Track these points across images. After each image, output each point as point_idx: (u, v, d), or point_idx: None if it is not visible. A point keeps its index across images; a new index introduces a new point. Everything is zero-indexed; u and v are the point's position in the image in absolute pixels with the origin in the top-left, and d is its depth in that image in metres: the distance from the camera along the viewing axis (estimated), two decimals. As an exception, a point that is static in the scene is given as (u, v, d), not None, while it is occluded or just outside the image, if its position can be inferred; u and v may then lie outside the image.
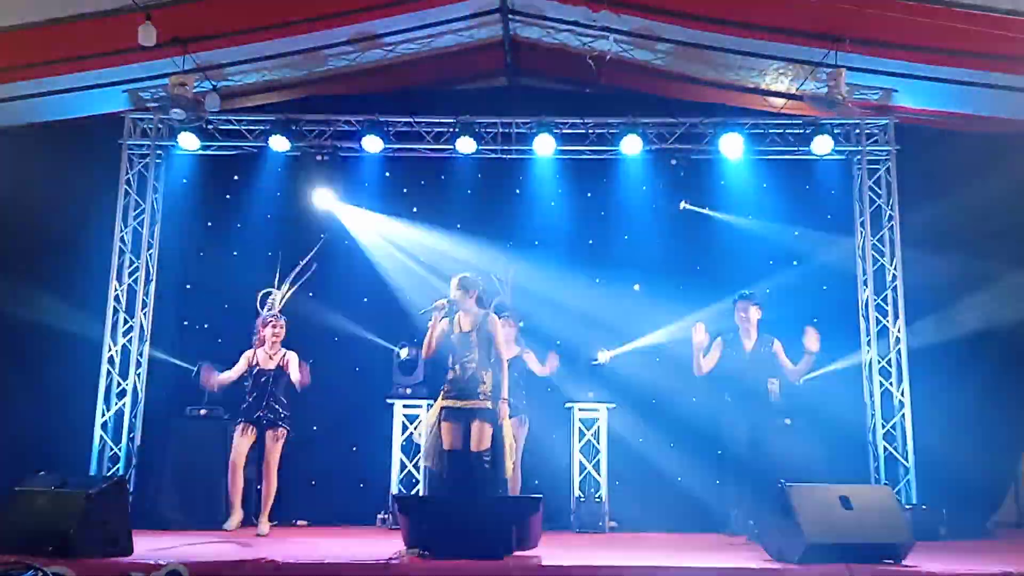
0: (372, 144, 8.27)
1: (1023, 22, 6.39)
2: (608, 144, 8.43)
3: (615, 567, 4.10)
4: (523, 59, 8.88)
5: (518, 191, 8.77)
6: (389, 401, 7.91)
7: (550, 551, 4.89)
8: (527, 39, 8.46)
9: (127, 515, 4.67)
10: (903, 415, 7.91)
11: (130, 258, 8.34)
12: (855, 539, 4.29)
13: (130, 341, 8.21)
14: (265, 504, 6.82)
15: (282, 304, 7.29)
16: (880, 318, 8.17)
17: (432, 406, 6.04)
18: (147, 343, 8.29)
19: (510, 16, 8.08)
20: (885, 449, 7.90)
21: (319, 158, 8.37)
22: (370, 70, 8.51)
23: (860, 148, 8.38)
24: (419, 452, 7.92)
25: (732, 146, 8.19)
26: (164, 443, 7.68)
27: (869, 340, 8.15)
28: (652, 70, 8.45)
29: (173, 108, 7.48)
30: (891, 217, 8.27)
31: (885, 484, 7.42)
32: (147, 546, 4.79)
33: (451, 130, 8.33)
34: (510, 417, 5.91)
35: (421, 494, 7.64)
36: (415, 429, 7.98)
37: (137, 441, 8.05)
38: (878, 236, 8.31)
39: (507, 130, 8.49)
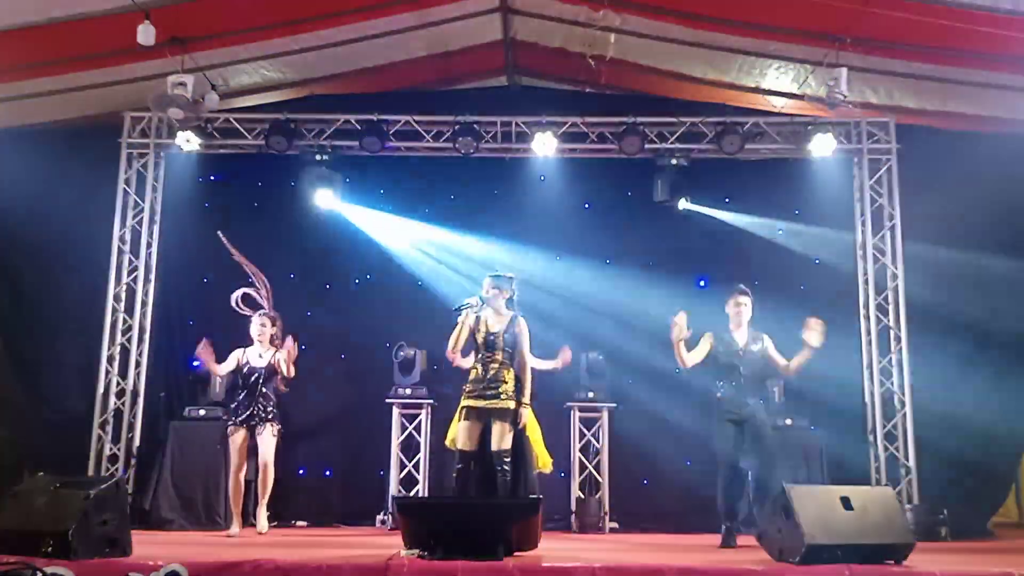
0: (372, 144, 8.27)
1: (1023, 22, 6.38)
2: (608, 144, 8.43)
3: (615, 567, 4.09)
4: (523, 59, 8.87)
5: (518, 191, 8.75)
6: (388, 401, 7.91)
7: (550, 551, 4.88)
8: (527, 39, 8.45)
9: (127, 515, 4.66)
10: (904, 415, 7.90)
11: (129, 258, 8.34)
12: (856, 540, 4.28)
13: (129, 341, 8.20)
14: (262, 499, 6.75)
15: (268, 301, 7.20)
16: (881, 317, 8.16)
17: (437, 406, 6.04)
18: (146, 343, 8.29)
19: (510, 15, 8.07)
20: (886, 450, 7.89)
21: (319, 158, 8.36)
22: (370, 70, 8.51)
23: (861, 147, 8.38)
24: (418, 452, 7.94)
25: (732, 145, 8.19)
26: (164, 443, 7.68)
27: (870, 340, 8.15)
28: (652, 70, 8.44)
29: (172, 108, 7.47)
30: (892, 216, 8.27)
31: (886, 484, 7.42)
32: (147, 546, 4.78)
33: (451, 130, 8.32)
34: None
35: (421, 494, 7.64)
36: (414, 429, 7.99)
37: (137, 441, 8.04)
38: (879, 235, 8.31)
39: (507, 130, 8.49)
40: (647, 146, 8.33)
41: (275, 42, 7.70)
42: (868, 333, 8.17)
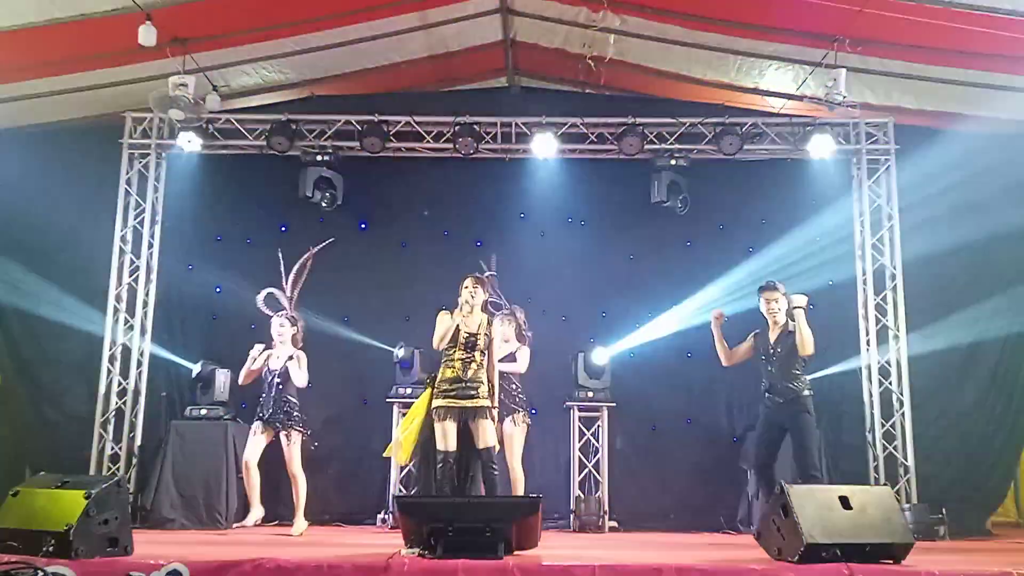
0: (373, 145, 8.28)
1: (1023, 22, 6.39)
2: (608, 144, 8.44)
3: (615, 566, 4.10)
4: (523, 59, 8.89)
5: (517, 191, 8.76)
6: (389, 401, 7.92)
7: (550, 551, 4.89)
8: (527, 39, 8.46)
9: (128, 514, 4.67)
10: (903, 415, 7.92)
11: (130, 258, 8.35)
12: (854, 539, 4.28)
13: (130, 340, 8.22)
14: (296, 505, 6.80)
15: (290, 303, 7.14)
16: (880, 317, 8.17)
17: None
18: (147, 342, 8.30)
19: (510, 16, 8.08)
20: (885, 449, 7.90)
21: (320, 158, 8.37)
22: (370, 70, 8.52)
23: (859, 148, 8.39)
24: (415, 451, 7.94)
25: (731, 146, 8.20)
26: (165, 442, 7.69)
27: (869, 340, 8.16)
28: (652, 70, 8.46)
29: (173, 108, 7.48)
30: (891, 216, 8.28)
31: (884, 484, 7.43)
32: (147, 546, 4.79)
33: (451, 131, 8.33)
34: (505, 417, 6.06)
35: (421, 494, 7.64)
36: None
37: (138, 440, 8.05)
38: (878, 236, 8.32)
39: (507, 130, 8.50)
40: (647, 147, 8.35)
41: (276, 43, 7.71)
42: (867, 333, 8.18)
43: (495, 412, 5.83)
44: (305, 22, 7.42)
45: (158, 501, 7.39)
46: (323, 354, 8.46)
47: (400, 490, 7.77)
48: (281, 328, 6.84)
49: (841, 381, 8.19)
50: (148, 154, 8.52)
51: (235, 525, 7.01)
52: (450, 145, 8.36)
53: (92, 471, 7.72)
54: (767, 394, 6.05)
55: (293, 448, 6.68)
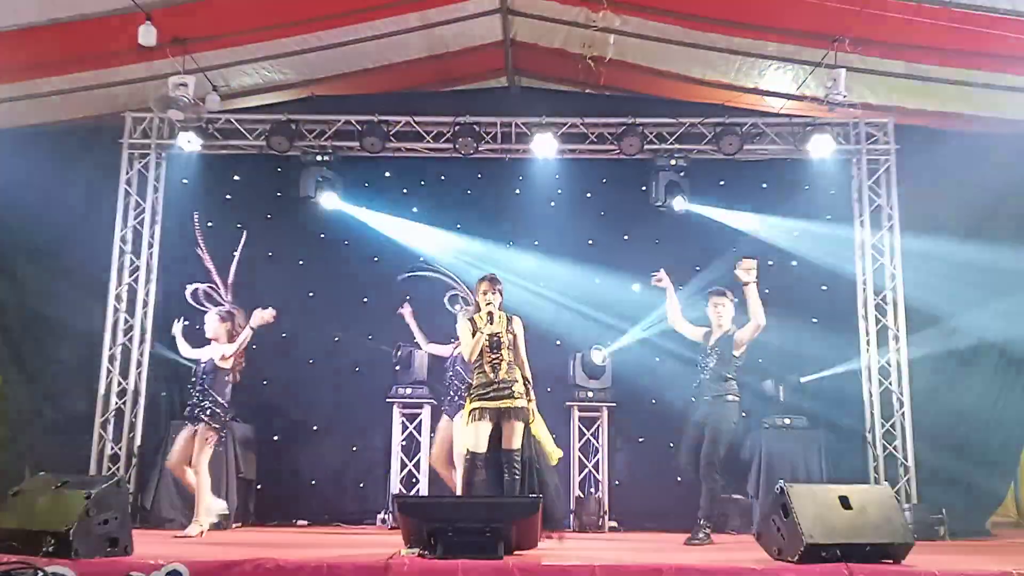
0: (373, 145, 8.28)
1: (1023, 22, 6.39)
2: (608, 144, 8.44)
3: (614, 566, 4.09)
4: (523, 59, 8.89)
5: (518, 191, 8.77)
6: (389, 401, 7.92)
7: (550, 550, 4.89)
8: (527, 40, 8.46)
9: (127, 515, 4.67)
10: (903, 415, 7.92)
11: (130, 258, 8.35)
12: (854, 539, 4.28)
13: (130, 340, 8.22)
14: (197, 504, 6.28)
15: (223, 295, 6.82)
16: (880, 317, 8.17)
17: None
18: (147, 342, 8.30)
19: (510, 16, 8.09)
20: (885, 449, 7.90)
21: (320, 158, 8.37)
22: (370, 70, 8.52)
23: (859, 148, 8.39)
24: (419, 452, 7.94)
25: (731, 146, 8.20)
26: (165, 442, 7.69)
27: (868, 340, 8.16)
28: (652, 70, 8.46)
29: (173, 108, 7.48)
30: (890, 216, 8.28)
31: (884, 483, 7.43)
32: (147, 546, 4.79)
33: (451, 131, 8.34)
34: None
35: (422, 494, 7.65)
36: (415, 429, 8.00)
37: (138, 440, 8.05)
38: (877, 235, 8.31)
39: (507, 130, 8.50)
40: (646, 147, 8.35)
41: (276, 43, 7.72)
42: (867, 333, 8.18)
43: (530, 409, 5.67)
44: (305, 22, 7.42)
45: (158, 501, 7.40)
46: (323, 354, 8.51)
47: (400, 490, 7.78)
48: (213, 322, 6.50)
49: (841, 381, 8.20)
50: (148, 154, 8.52)
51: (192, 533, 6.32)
52: (450, 145, 8.36)
53: (92, 471, 7.73)
54: (695, 397, 6.28)
55: (204, 447, 6.21)
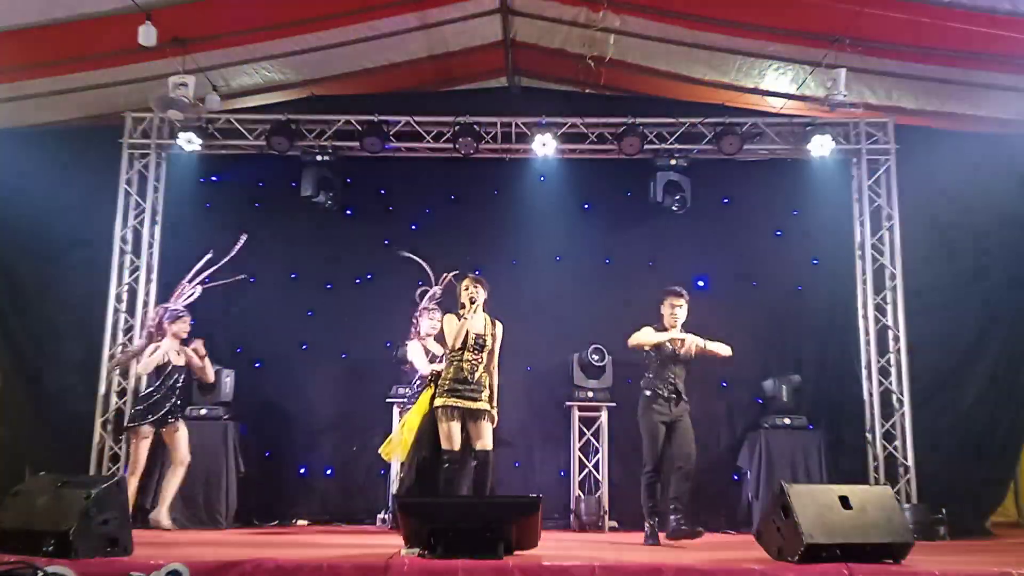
0: (373, 145, 8.27)
1: (1023, 22, 6.39)
2: (608, 144, 8.44)
3: (614, 566, 4.10)
4: (523, 59, 8.89)
5: (517, 192, 8.76)
6: (389, 401, 7.92)
7: (550, 551, 4.89)
8: (527, 40, 8.46)
9: (127, 515, 4.67)
10: (903, 415, 7.92)
11: (130, 258, 8.35)
12: (854, 539, 4.28)
13: (131, 340, 8.21)
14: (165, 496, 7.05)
15: (187, 299, 7.28)
16: (879, 317, 8.17)
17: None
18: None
19: (510, 16, 8.08)
20: (885, 449, 7.90)
21: (320, 158, 8.37)
22: (370, 70, 8.52)
23: (859, 148, 8.39)
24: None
25: (731, 146, 8.20)
26: (164, 443, 7.68)
27: (868, 340, 8.16)
28: (652, 70, 8.45)
29: (172, 109, 7.48)
30: (890, 216, 8.28)
31: (885, 483, 7.43)
32: (148, 546, 4.79)
33: (451, 131, 8.33)
34: None
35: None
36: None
37: (137, 441, 8.03)
38: (877, 235, 8.31)
39: (507, 131, 8.50)
40: (646, 147, 8.35)
41: (276, 43, 7.71)
42: (867, 332, 8.18)
43: (494, 415, 5.83)
44: (305, 22, 7.42)
45: (158, 501, 7.38)
46: (323, 354, 8.51)
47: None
48: (184, 325, 7.19)
49: (841, 381, 8.20)
50: (148, 154, 8.52)
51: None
52: (450, 145, 8.35)
53: (92, 471, 7.72)
54: (663, 397, 6.26)
55: (180, 436, 7.04)
